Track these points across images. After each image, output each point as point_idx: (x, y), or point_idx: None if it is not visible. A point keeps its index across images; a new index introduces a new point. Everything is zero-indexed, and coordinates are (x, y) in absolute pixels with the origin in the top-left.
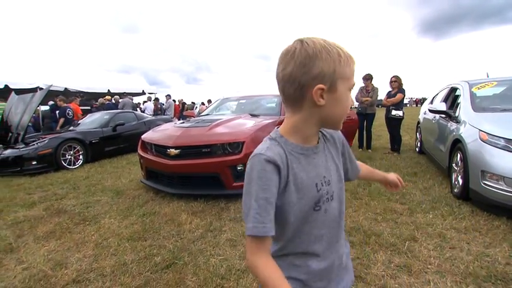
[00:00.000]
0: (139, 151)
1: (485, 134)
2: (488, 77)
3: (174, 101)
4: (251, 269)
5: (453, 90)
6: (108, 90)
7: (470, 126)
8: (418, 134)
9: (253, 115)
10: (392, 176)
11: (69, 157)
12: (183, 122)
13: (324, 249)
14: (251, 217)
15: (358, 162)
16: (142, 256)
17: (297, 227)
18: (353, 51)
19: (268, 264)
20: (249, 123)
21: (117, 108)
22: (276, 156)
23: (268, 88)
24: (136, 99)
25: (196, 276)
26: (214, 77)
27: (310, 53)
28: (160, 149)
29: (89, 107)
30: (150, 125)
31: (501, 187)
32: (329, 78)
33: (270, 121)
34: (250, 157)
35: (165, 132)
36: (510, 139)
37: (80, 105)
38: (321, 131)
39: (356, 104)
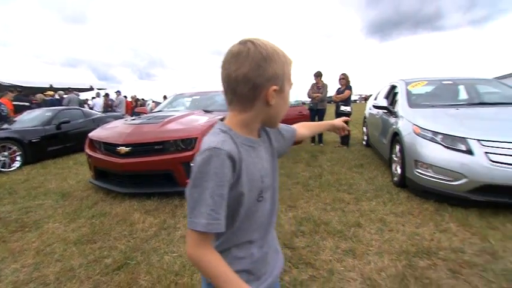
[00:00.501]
0: (87, 150)
1: (417, 127)
2: None
3: (125, 97)
4: (197, 264)
5: (393, 87)
6: (51, 85)
7: (406, 120)
8: (364, 128)
9: (206, 111)
10: (337, 121)
11: (4, 159)
12: (134, 119)
13: (262, 236)
14: (204, 213)
15: (297, 124)
16: (91, 259)
17: (243, 218)
18: (308, 51)
19: (217, 258)
20: (202, 119)
21: (62, 105)
22: (232, 151)
23: None
24: (83, 95)
25: (150, 275)
26: (169, 73)
27: (264, 54)
28: (109, 147)
29: (27, 103)
30: (99, 123)
31: (430, 174)
32: (280, 79)
33: (224, 117)
34: (203, 149)
35: (114, 130)
36: (436, 132)
37: (15, 101)
38: None
39: (308, 100)
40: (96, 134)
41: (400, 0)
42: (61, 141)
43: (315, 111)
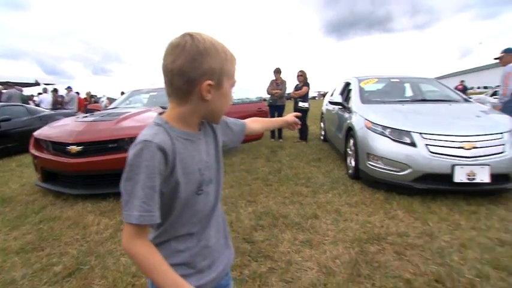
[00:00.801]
0: (32, 150)
1: (369, 122)
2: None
3: (77, 93)
4: (132, 256)
5: (348, 84)
6: None
7: (359, 115)
8: (322, 123)
9: (164, 108)
10: (289, 117)
11: None
12: (86, 116)
13: (202, 229)
14: (137, 206)
15: (249, 119)
16: (37, 268)
17: (180, 211)
18: (268, 47)
19: (152, 251)
20: None
21: (0, 101)
22: (163, 143)
23: None
24: (28, 91)
25: (105, 279)
26: (126, 68)
27: (201, 48)
28: (58, 147)
29: None
30: (48, 120)
31: (380, 166)
32: (217, 75)
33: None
34: (136, 142)
35: (64, 128)
36: (385, 126)
37: None
38: None
39: (268, 96)
40: (43, 132)
41: (355, 2)
42: (0, 141)
43: (274, 108)
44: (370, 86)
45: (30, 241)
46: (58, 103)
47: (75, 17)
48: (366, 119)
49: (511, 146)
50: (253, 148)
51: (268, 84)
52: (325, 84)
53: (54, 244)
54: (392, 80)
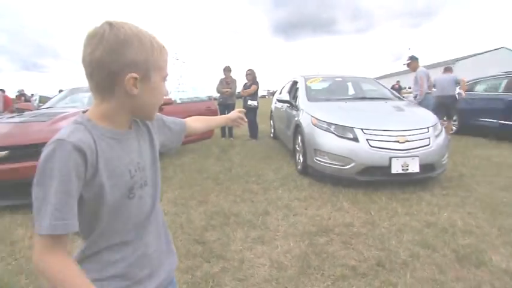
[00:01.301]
0: None
1: (315, 119)
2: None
3: (2, 90)
4: (43, 272)
5: (295, 83)
6: None
7: (306, 113)
8: (271, 121)
9: None
10: (233, 113)
11: None
12: (13, 117)
13: (138, 236)
14: (48, 213)
15: (191, 118)
16: None
17: (110, 217)
18: (218, 46)
19: (66, 264)
20: None
21: None
22: (81, 142)
23: None
24: None
25: None
26: (64, 64)
27: (121, 38)
28: None
29: None
30: None
31: (326, 161)
32: (142, 67)
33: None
34: (48, 143)
35: None
36: (330, 122)
37: None
38: None
39: (217, 94)
40: None
41: (301, 5)
42: None
43: (225, 106)
44: (316, 85)
45: None
46: None
47: None
48: (312, 116)
49: (435, 139)
50: (203, 147)
51: (217, 83)
52: (274, 82)
53: None
54: (336, 79)
